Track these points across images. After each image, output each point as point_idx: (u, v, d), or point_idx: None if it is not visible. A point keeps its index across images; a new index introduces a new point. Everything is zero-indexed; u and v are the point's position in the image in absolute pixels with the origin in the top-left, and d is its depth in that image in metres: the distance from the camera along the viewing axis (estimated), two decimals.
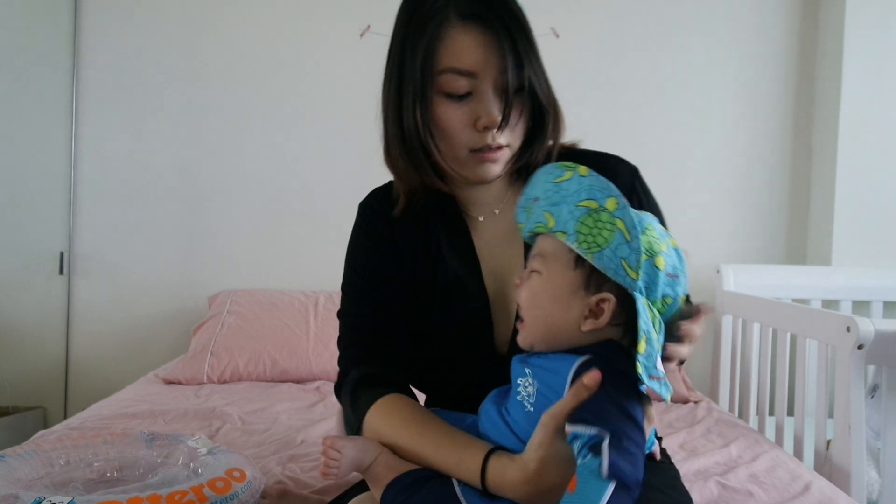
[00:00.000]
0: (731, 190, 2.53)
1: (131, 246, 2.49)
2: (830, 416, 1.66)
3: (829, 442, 1.60)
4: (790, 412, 2.05)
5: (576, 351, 0.73)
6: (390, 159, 0.94)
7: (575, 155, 0.95)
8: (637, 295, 0.70)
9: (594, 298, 0.72)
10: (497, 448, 0.76)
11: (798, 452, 1.70)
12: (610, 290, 0.72)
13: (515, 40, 0.83)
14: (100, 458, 1.16)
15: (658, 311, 0.73)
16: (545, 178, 0.78)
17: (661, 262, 0.72)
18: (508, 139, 0.88)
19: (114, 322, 2.49)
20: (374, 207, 1.00)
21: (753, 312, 2.01)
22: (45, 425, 2.39)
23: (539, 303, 0.76)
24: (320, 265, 2.45)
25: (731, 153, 2.52)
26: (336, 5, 2.46)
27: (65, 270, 2.46)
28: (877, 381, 1.67)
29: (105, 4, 2.46)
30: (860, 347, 1.43)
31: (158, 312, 2.49)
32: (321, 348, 2.12)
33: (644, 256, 0.71)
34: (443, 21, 0.83)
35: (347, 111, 2.46)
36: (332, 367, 2.08)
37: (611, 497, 0.60)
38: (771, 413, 2.03)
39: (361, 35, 2.42)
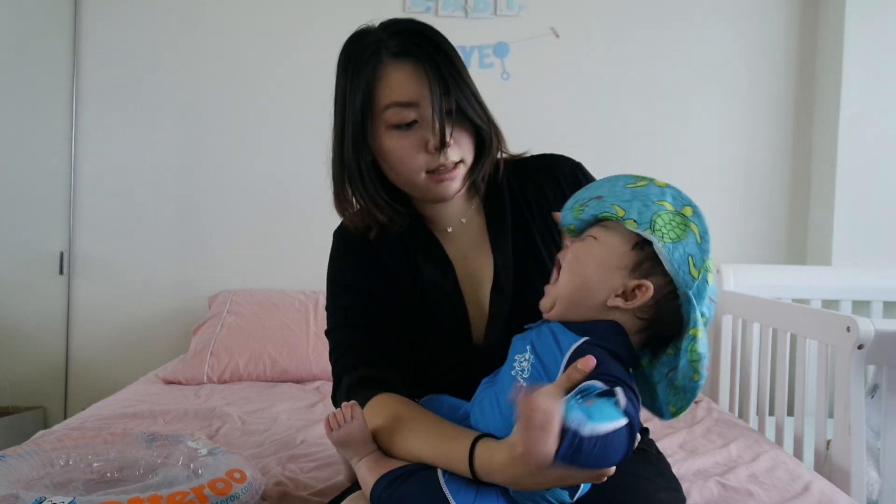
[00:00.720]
0: (731, 190, 2.52)
1: (131, 246, 2.48)
2: (830, 416, 1.66)
3: (829, 442, 1.60)
4: (790, 412, 2.05)
5: (580, 330, 0.75)
6: (345, 200, 1.01)
7: (521, 160, 1.07)
8: (690, 293, 0.73)
9: (634, 281, 0.75)
10: (484, 435, 0.78)
11: (798, 452, 1.70)
12: (653, 282, 0.75)
13: (441, 70, 0.92)
14: (100, 459, 1.16)
15: None
16: (614, 184, 0.81)
17: (712, 279, 0.75)
18: (460, 155, 0.95)
19: (114, 322, 2.49)
20: (350, 232, 1.05)
21: (753, 312, 2.01)
22: (45, 425, 2.39)
23: (583, 261, 0.79)
24: (320, 265, 2.43)
25: (732, 153, 2.52)
26: (336, 6, 2.46)
27: (65, 270, 2.46)
28: (877, 381, 1.67)
29: (105, 5, 2.46)
30: (860, 347, 1.42)
31: (158, 312, 2.49)
32: (321, 348, 2.12)
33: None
34: (377, 63, 0.92)
35: None
36: None
37: (622, 429, 0.62)
38: (771, 413, 2.03)
39: None
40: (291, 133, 2.48)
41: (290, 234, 2.49)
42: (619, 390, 0.66)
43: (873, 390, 1.72)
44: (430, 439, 0.82)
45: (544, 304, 0.81)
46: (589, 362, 0.69)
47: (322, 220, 2.45)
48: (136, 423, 1.57)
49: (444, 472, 0.77)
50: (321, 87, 2.54)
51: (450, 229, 1.05)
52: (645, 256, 0.75)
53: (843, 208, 2.36)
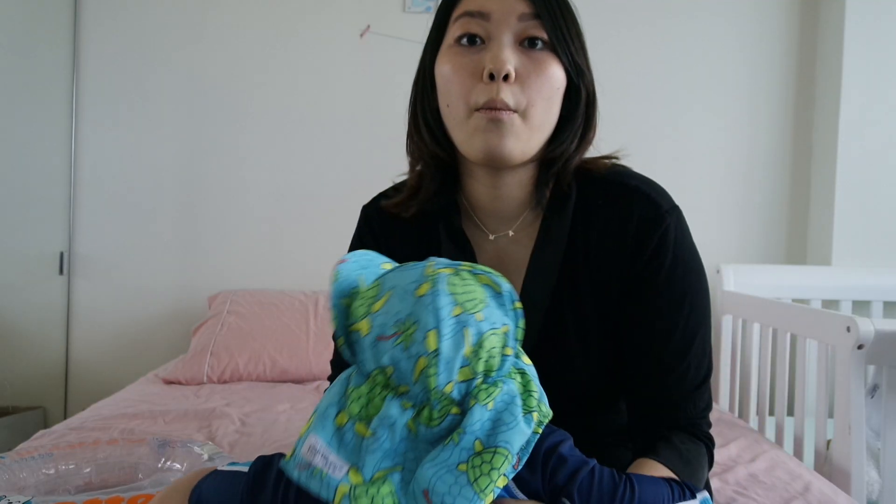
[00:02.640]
0: (731, 190, 2.52)
1: (131, 246, 2.49)
2: (830, 416, 1.66)
3: (829, 442, 1.60)
4: (790, 412, 2.05)
5: None
6: (415, 132, 0.84)
7: (595, 176, 0.87)
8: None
9: None
10: None
11: (798, 452, 1.70)
12: None
13: None
14: (100, 462, 1.15)
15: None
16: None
17: (364, 330, 0.57)
18: (517, 100, 0.73)
19: (114, 322, 2.49)
20: (372, 213, 0.91)
21: (753, 312, 2.01)
22: (45, 425, 2.39)
23: None
24: (320, 265, 2.45)
25: (732, 153, 2.52)
26: (336, 5, 2.46)
27: (65, 270, 2.46)
28: (877, 381, 1.67)
29: (105, 4, 2.46)
30: (860, 347, 1.42)
31: (158, 312, 2.49)
32: (321, 348, 2.12)
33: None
34: None
35: (347, 111, 2.46)
36: None
37: None
38: (771, 413, 2.03)
39: (361, 35, 2.41)
40: (292, 133, 2.49)
41: (290, 234, 2.49)
42: None
43: (873, 390, 1.71)
44: None
45: None
46: None
47: (322, 220, 2.47)
48: (136, 423, 1.57)
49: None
50: (321, 86, 2.54)
51: (492, 237, 0.84)
52: None
53: (843, 208, 2.36)
